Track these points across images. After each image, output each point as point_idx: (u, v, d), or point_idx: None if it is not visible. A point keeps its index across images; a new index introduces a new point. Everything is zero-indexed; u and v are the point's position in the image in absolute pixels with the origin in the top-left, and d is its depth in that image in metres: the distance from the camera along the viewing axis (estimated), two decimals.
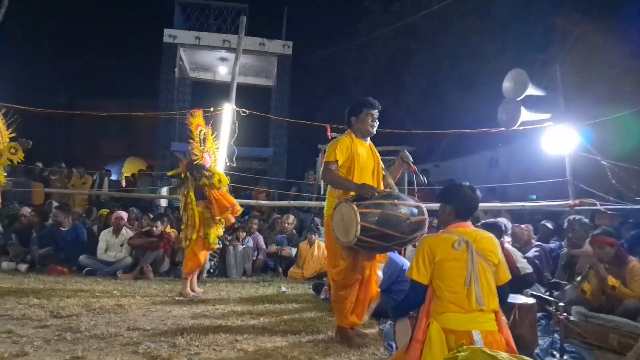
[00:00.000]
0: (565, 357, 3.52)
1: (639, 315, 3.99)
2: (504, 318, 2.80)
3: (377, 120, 4.00)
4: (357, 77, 18.57)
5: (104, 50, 23.64)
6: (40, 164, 10.97)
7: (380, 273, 4.02)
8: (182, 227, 5.69)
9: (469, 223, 2.93)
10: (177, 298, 5.41)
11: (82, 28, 24.15)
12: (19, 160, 5.92)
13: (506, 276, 2.84)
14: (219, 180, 5.64)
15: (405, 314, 3.00)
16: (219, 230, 5.82)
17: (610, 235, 4.55)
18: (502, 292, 2.84)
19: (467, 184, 3.03)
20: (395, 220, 3.47)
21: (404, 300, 2.99)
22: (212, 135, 6.09)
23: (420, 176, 3.99)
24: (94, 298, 5.11)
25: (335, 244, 3.72)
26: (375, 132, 4.02)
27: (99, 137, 23.64)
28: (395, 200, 3.59)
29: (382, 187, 3.99)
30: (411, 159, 3.94)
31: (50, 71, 21.77)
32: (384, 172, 4.08)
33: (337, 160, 3.78)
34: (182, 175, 5.64)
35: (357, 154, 3.84)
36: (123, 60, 22.73)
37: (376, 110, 3.98)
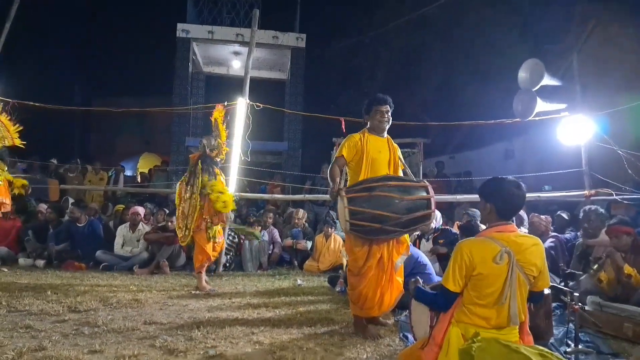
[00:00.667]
0: (580, 346, 3.49)
1: None
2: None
3: (386, 115, 4.09)
4: (371, 70, 18.49)
5: (118, 47, 23.84)
6: (55, 161, 11.12)
7: (398, 263, 4.00)
8: (178, 215, 5.66)
9: (512, 225, 2.70)
10: (193, 292, 5.47)
11: (96, 26, 24.41)
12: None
13: (546, 284, 2.68)
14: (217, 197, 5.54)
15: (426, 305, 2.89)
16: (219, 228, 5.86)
17: (627, 224, 4.52)
18: (538, 296, 2.75)
19: (511, 178, 2.78)
20: (386, 200, 3.61)
21: (433, 299, 2.84)
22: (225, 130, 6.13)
23: None
24: (111, 293, 5.18)
25: (349, 235, 3.88)
26: (386, 127, 4.13)
27: (114, 134, 23.90)
28: (388, 182, 3.70)
29: None
30: None
31: (65, 69, 22.09)
32: (403, 165, 4.20)
33: (342, 156, 3.97)
34: (192, 167, 5.68)
35: (367, 149, 3.99)
36: (137, 57, 22.90)
37: (386, 106, 4.08)
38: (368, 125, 4.13)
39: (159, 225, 7.65)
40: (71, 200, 9.11)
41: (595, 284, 4.45)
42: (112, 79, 23.69)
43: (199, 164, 5.59)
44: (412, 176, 4.21)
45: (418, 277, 3.39)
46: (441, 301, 2.71)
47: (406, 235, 4.06)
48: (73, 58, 22.95)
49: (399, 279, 4.02)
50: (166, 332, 3.66)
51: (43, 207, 8.30)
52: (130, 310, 4.40)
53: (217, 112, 6.04)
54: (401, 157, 4.23)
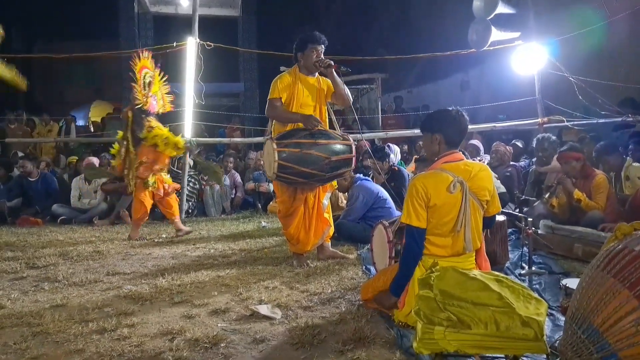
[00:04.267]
0: (533, 268, 3.69)
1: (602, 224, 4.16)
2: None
3: (321, 55, 4.00)
4: (327, 4, 17.95)
5: None
6: None
7: (325, 202, 4.16)
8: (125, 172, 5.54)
9: (459, 153, 2.76)
10: (156, 240, 5.44)
11: None
12: None
13: (497, 208, 2.80)
14: (165, 143, 5.42)
15: (412, 271, 2.66)
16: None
17: (576, 150, 4.67)
18: (490, 221, 2.86)
19: (454, 108, 2.82)
20: (314, 159, 3.73)
21: (406, 255, 2.71)
22: (160, 78, 5.69)
23: (343, 68, 4.01)
24: (70, 246, 5.06)
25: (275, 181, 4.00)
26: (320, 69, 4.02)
27: (62, 82, 22.67)
28: (318, 140, 3.78)
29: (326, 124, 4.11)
30: (325, 60, 3.94)
31: (1, 13, 20.43)
32: (327, 108, 4.16)
33: (280, 97, 3.92)
34: (126, 120, 5.47)
35: (297, 90, 3.95)
36: None
37: (322, 46, 4.01)
38: (300, 64, 4.01)
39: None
40: (20, 154, 8.71)
41: (548, 210, 4.66)
42: (54, 22, 22.05)
43: (130, 117, 5.41)
44: (336, 125, 4.22)
45: (383, 221, 3.41)
46: (412, 243, 2.67)
47: None
48: (9, 2, 21.17)
49: (327, 215, 4.19)
50: (130, 282, 3.63)
51: None
52: (92, 263, 4.33)
53: (143, 61, 5.63)
54: (328, 100, 4.14)
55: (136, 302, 3.12)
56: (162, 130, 5.53)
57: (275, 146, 3.68)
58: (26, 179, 7.33)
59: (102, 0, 17.82)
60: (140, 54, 5.57)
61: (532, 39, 6.89)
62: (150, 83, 5.52)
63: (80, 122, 15.00)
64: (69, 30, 21.23)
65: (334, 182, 4.34)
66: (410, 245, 2.69)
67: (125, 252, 4.81)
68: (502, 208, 4.32)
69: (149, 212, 5.75)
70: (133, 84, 5.44)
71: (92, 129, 12.97)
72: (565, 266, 3.85)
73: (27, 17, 21.67)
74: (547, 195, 4.66)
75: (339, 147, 3.87)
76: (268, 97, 3.96)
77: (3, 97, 16.52)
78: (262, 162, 3.97)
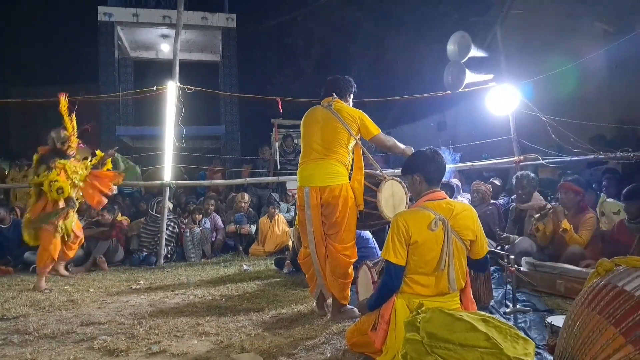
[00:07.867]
0: (517, 306, 3.67)
1: (582, 260, 4.21)
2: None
3: None
4: (306, 49, 18.39)
5: (36, 33, 22.20)
6: None
7: None
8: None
9: (441, 192, 2.79)
10: (134, 287, 5.25)
11: (9, 11, 22.53)
12: None
13: (483, 249, 2.75)
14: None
15: (385, 301, 2.71)
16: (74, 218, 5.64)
17: (579, 184, 4.79)
18: (483, 263, 2.82)
19: (430, 147, 2.93)
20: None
21: (381, 288, 2.76)
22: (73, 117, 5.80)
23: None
24: (42, 296, 4.85)
25: (354, 220, 3.72)
26: None
27: (39, 127, 22.42)
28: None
29: None
30: None
31: None
32: None
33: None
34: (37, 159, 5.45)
35: None
36: (58, 43, 21.42)
37: None
38: (347, 102, 4.06)
39: (93, 220, 7.27)
40: None
41: (532, 232, 4.72)
42: (31, 67, 22.02)
43: (36, 160, 5.42)
44: None
45: (367, 261, 3.42)
46: (389, 280, 2.69)
47: None
48: None
49: None
50: (105, 332, 3.48)
51: None
52: (65, 313, 4.14)
53: (62, 103, 5.72)
54: None
55: (111, 354, 2.98)
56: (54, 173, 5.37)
57: (405, 187, 3.73)
58: None
59: (82, 45, 17.96)
60: (62, 97, 5.65)
61: (504, 80, 7.10)
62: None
63: None
64: (48, 74, 21.17)
65: None
66: (387, 282, 2.71)
67: (102, 300, 4.63)
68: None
69: (56, 259, 5.50)
70: (64, 132, 5.59)
71: None
72: (549, 303, 3.85)
73: (4, 61, 21.62)
74: (537, 216, 4.73)
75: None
76: (375, 132, 3.89)
77: None
78: (380, 203, 3.67)
